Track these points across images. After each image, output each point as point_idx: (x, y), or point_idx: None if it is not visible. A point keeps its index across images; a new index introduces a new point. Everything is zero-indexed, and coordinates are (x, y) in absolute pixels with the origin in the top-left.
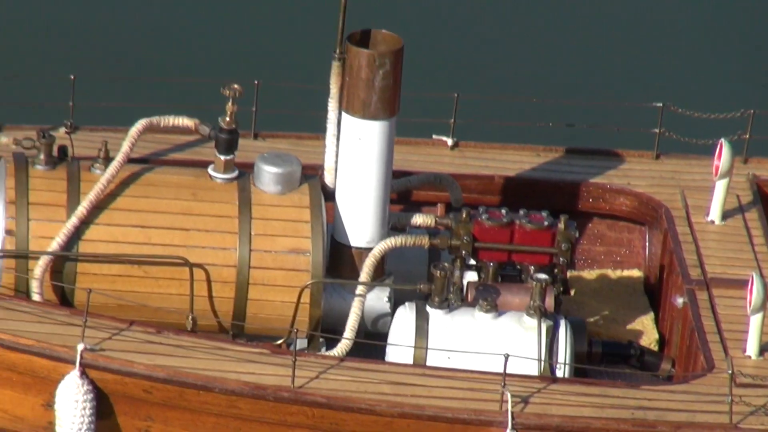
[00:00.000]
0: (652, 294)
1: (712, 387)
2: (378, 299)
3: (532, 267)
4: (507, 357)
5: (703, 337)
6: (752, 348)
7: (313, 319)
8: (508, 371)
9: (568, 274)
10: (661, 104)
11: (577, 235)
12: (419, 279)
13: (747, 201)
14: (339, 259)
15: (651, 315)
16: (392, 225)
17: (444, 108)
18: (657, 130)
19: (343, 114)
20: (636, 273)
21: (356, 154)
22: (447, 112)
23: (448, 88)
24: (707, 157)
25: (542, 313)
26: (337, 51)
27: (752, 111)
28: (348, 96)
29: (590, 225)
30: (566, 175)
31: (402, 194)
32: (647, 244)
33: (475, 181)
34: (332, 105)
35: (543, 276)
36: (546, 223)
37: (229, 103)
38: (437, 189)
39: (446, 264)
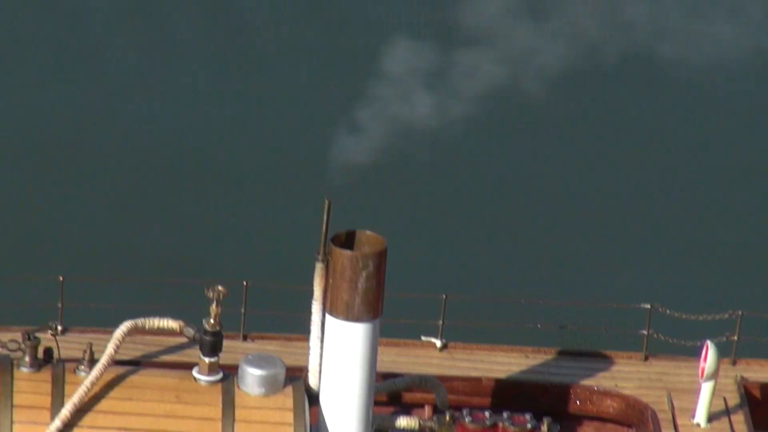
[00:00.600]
0: None
1: None
2: None
3: None
4: None
5: None
6: None
7: None
8: None
9: None
10: (649, 305)
11: None
12: None
13: (734, 403)
14: None
15: None
16: (377, 427)
17: (432, 309)
18: (645, 332)
19: (327, 316)
20: None
21: (340, 356)
22: (435, 313)
23: (437, 289)
24: (695, 358)
25: None
26: (321, 252)
27: (740, 312)
28: (331, 297)
29: (578, 428)
30: (554, 377)
31: (391, 395)
32: None
33: (462, 383)
34: (316, 307)
35: None
36: (529, 425)
37: (213, 305)
38: (424, 391)
39: None
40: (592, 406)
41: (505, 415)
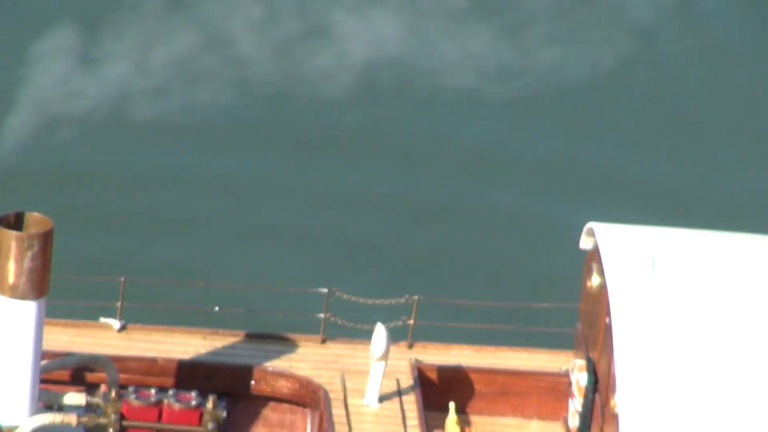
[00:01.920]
0: None
1: None
2: None
3: None
4: None
5: None
6: None
7: None
8: None
9: None
10: (326, 290)
11: (225, 414)
12: None
13: (407, 385)
14: None
15: None
16: (45, 403)
17: (111, 291)
18: (322, 315)
19: None
20: None
21: (5, 333)
22: (115, 296)
23: (108, 272)
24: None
25: None
26: None
27: (416, 297)
28: None
29: (254, 407)
30: (230, 358)
31: (72, 375)
32: (309, 426)
33: (138, 363)
34: None
35: None
36: (194, 402)
37: None
38: (95, 370)
39: None
40: (267, 386)
41: (171, 392)
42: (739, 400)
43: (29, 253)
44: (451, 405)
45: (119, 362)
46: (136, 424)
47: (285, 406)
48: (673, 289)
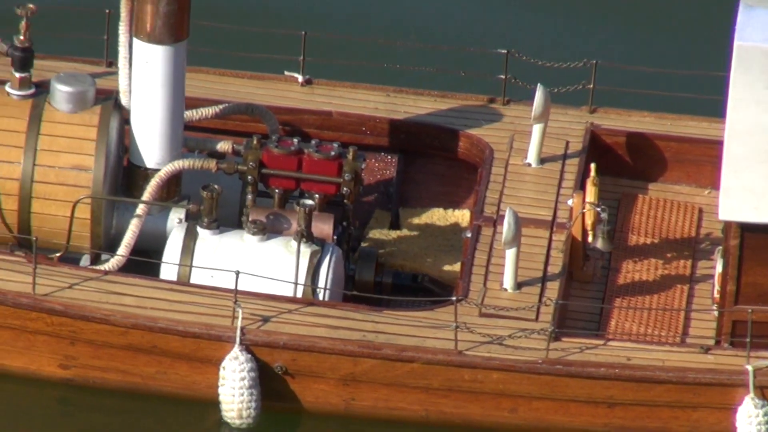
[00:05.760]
0: None
1: (453, 315)
2: (172, 220)
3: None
4: (238, 274)
5: (470, 269)
6: (508, 282)
7: (95, 234)
8: (259, 291)
9: (401, 209)
10: (505, 51)
11: (363, 166)
12: (233, 204)
13: (575, 148)
14: (133, 179)
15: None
16: (190, 149)
17: (294, 46)
18: (503, 77)
19: (133, 38)
20: (467, 212)
21: (145, 77)
22: (297, 51)
23: (300, 27)
24: (553, 105)
25: (304, 238)
26: None
27: (595, 61)
28: (136, 20)
29: (428, 164)
30: (407, 115)
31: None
32: (477, 183)
33: (313, 116)
34: (123, 28)
35: (308, 202)
36: (333, 153)
37: (23, 22)
38: (251, 119)
39: (215, 186)
40: (440, 144)
41: (313, 142)
42: None
43: None
44: (593, 166)
45: (293, 114)
46: (275, 172)
47: (457, 163)
48: None
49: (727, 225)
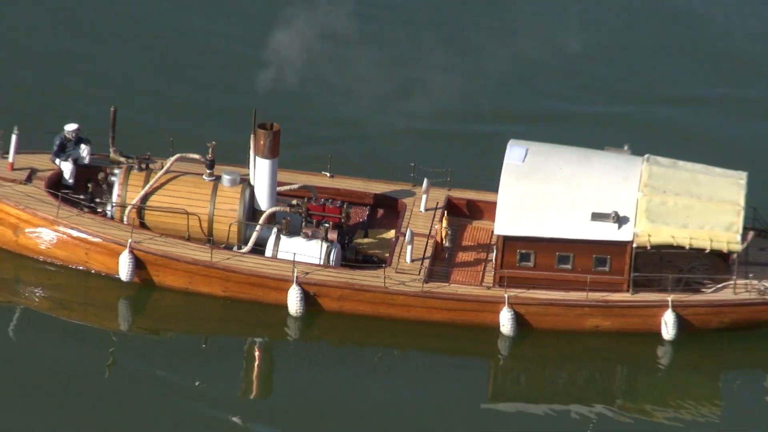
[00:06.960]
0: None
1: (383, 272)
2: (272, 231)
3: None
4: (294, 255)
5: (392, 253)
6: (408, 259)
7: (239, 237)
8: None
9: (369, 230)
10: (413, 163)
11: (350, 211)
12: (296, 225)
13: (440, 204)
14: (254, 215)
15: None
16: (279, 203)
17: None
18: (412, 174)
19: (255, 156)
20: (393, 231)
21: (261, 171)
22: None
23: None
24: (432, 187)
25: (325, 240)
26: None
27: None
28: (256, 147)
29: (380, 211)
30: (375, 191)
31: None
32: None
33: (331, 190)
34: (252, 153)
35: (327, 224)
36: (338, 205)
37: (210, 150)
38: (305, 191)
39: (288, 217)
40: (386, 203)
41: (330, 200)
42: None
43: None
44: (446, 212)
45: (324, 191)
46: (314, 213)
47: (394, 211)
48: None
49: (498, 236)
